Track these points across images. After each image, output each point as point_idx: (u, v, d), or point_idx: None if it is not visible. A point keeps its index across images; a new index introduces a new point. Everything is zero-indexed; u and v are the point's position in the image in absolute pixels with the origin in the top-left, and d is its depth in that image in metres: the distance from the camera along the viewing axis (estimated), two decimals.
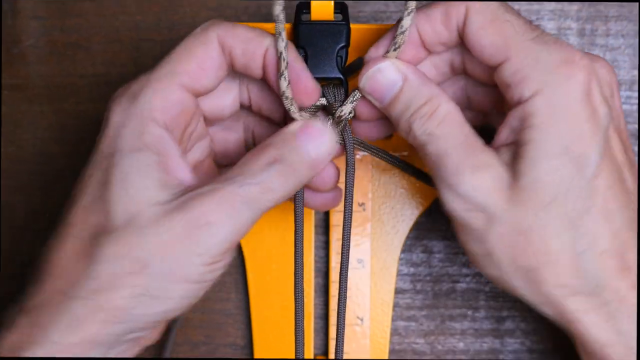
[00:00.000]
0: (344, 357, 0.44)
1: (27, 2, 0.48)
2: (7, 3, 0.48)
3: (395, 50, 0.35)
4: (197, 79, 0.36)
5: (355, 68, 0.38)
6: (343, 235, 0.38)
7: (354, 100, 0.37)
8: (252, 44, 0.36)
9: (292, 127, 0.36)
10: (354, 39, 0.38)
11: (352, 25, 0.38)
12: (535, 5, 0.46)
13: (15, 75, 0.48)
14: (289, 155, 0.35)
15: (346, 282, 0.38)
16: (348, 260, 0.38)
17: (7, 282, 0.49)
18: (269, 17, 0.47)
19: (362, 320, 0.46)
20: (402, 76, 0.35)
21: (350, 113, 0.37)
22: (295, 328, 0.38)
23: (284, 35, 0.35)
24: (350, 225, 0.38)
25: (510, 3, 0.46)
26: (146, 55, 0.48)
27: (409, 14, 0.35)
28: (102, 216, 0.33)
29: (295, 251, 0.38)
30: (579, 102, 0.33)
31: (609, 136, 0.34)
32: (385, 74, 0.36)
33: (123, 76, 0.48)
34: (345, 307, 0.39)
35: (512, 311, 0.47)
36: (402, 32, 0.35)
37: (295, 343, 0.39)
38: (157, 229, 0.33)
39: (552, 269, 0.33)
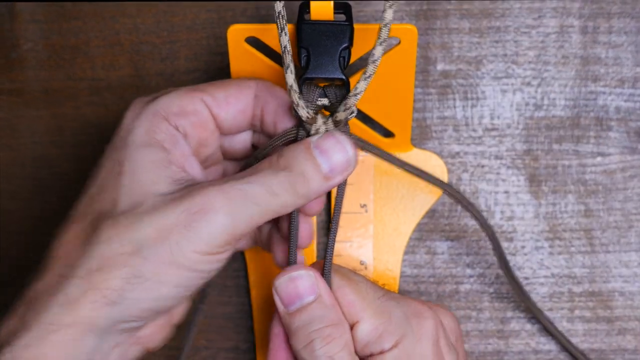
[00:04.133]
0: None
1: (25, 5, 0.48)
2: (5, 6, 0.48)
3: (381, 44, 0.35)
4: (220, 106, 0.37)
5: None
6: (328, 242, 0.38)
7: (350, 106, 0.36)
8: (285, 106, 0.37)
9: (310, 138, 0.36)
10: (355, 38, 0.38)
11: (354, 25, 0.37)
12: (537, 3, 0.46)
13: (14, 79, 0.48)
14: (299, 165, 0.35)
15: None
16: (332, 256, 0.38)
17: (3, 289, 0.49)
18: (267, 19, 0.47)
19: None
20: (317, 292, 0.36)
21: (351, 114, 0.37)
22: None
23: (287, 29, 0.35)
24: (337, 229, 0.38)
25: (511, 2, 0.46)
26: (146, 58, 0.48)
27: (389, 7, 0.34)
28: (109, 204, 0.34)
29: (290, 249, 0.38)
30: (430, 350, 0.36)
31: None
32: (300, 283, 0.36)
33: (122, 79, 0.48)
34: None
35: (517, 312, 0.47)
36: (385, 25, 0.35)
37: None
38: (155, 214, 0.33)
39: None
